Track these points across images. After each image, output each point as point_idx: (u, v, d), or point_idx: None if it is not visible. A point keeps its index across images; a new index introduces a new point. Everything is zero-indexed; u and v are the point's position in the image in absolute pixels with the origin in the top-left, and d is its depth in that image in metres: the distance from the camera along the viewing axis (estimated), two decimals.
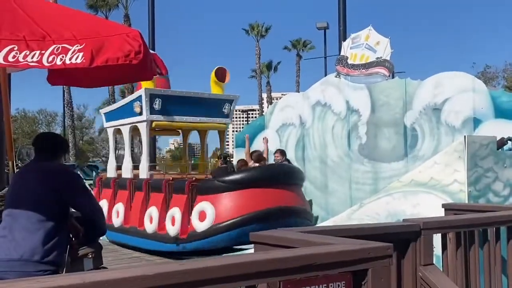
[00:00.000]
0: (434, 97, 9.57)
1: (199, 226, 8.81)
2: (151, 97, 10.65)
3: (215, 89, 11.66)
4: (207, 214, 8.80)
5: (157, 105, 10.70)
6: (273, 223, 7.90)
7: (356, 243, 2.12)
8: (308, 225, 8.66)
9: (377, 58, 10.67)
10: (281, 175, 9.24)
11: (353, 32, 11.56)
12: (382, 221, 5.02)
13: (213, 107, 11.41)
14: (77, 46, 2.85)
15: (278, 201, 8.78)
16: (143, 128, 10.83)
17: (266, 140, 10.89)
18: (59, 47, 2.83)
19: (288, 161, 10.34)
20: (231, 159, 11.26)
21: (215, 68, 11.84)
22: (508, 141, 5.80)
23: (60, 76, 3.77)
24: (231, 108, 11.65)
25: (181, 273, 1.56)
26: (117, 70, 3.35)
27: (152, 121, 10.74)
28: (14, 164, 4.31)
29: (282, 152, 10.36)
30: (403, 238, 3.04)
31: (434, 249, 3.17)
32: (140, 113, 10.82)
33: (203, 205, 8.89)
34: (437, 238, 3.37)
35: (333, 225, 5.09)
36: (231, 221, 8.61)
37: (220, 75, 11.72)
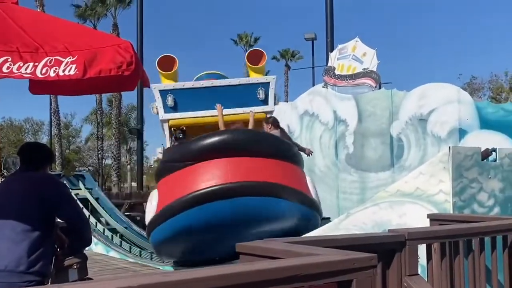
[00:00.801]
0: (420, 107, 9.67)
1: (147, 218, 7.73)
2: (162, 93, 9.46)
3: (253, 75, 10.15)
4: (152, 204, 7.59)
5: (169, 101, 9.46)
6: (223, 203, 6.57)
7: (341, 254, 2.13)
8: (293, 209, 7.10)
9: (364, 69, 10.77)
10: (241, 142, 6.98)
11: (340, 43, 11.68)
12: (368, 231, 5.04)
13: (244, 94, 9.47)
14: (70, 58, 2.87)
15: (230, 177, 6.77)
16: (165, 128, 9.59)
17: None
18: (52, 59, 2.84)
19: (286, 134, 8.51)
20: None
21: (247, 53, 10.33)
22: (493, 152, 5.86)
23: (41, 86, 3.77)
24: (268, 92, 9.58)
25: (165, 284, 1.56)
26: (101, 79, 3.36)
27: (168, 120, 9.55)
28: (0, 173, 4.29)
29: (274, 122, 8.30)
30: (388, 248, 3.05)
31: (419, 259, 3.20)
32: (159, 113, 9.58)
33: (153, 194, 7.73)
34: (422, 248, 3.39)
35: (320, 234, 5.11)
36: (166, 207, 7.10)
37: (253, 57, 9.97)
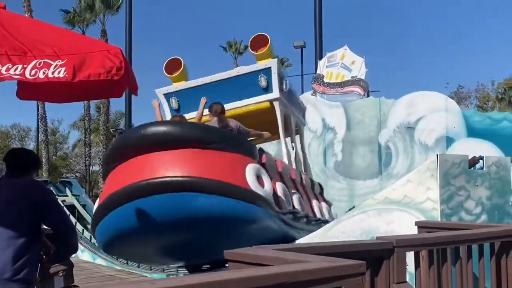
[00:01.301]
0: (408, 116, 9.75)
1: None
2: (166, 97, 9.08)
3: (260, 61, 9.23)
4: None
5: (173, 103, 9.13)
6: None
7: (329, 261, 2.13)
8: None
9: (353, 77, 10.84)
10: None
11: (329, 51, 11.75)
12: (357, 238, 5.05)
13: (246, 85, 8.72)
14: (59, 62, 2.86)
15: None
16: None
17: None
18: (41, 61, 2.83)
19: (225, 121, 7.38)
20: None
21: (250, 41, 9.33)
22: (480, 160, 5.91)
23: (29, 91, 3.74)
24: (271, 79, 8.48)
25: None
26: (90, 86, 3.34)
27: None
28: None
29: (211, 109, 7.46)
30: (377, 255, 3.06)
31: (407, 266, 3.20)
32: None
33: None
34: (410, 256, 3.40)
35: (309, 242, 5.10)
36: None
37: (256, 44, 9.00)
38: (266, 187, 6.49)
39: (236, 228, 6.01)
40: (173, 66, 9.29)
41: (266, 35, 8.87)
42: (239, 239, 6.08)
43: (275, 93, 8.25)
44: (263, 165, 6.90)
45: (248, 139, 7.76)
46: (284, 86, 8.27)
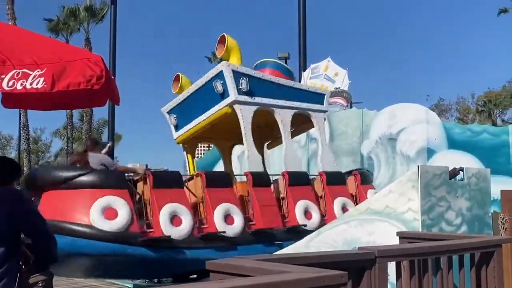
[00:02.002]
0: (390, 127, 9.85)
1: None
2: (168, 114, 9.30)
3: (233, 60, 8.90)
4: None
5: (172, 120, 9.36)
6: None
7: (311, 271, 2.14)
8: None
9: (336, 88, 10.93)
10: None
11: (312, 63, 11.85)
12: (339, 248, 5.07)
13: (206, 96, 8.50)
14: (38, 71, 2.84)
15: None
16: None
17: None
18: (19, 72, 2.81)
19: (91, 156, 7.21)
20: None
21: (216, 48, 8.96)
22: (460, 171, 5.98)
23: (13, 99, 3.71)
24: (225, 82, 8.03)
25: None
26: (73, 95, 3.32)
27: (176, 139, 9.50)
28: None
29: (86, 144, 7.72)
30: (358, 266, 3.07)
31: (388, 277, 3.22)
32: None
33: None
34: (391, 266, 3.42)
35: (291, 252, 5.11)
36: None
37: (220, 47, 8.62)
38: (117, 219, 6.55)
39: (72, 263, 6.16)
40: (175, 82, 9.23)
41: (224, 35, 8.54)
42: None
43: (232, 96, 7.90)
44: (131, 195, 6.92)
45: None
46: (243, 86, 7.83)
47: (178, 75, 9.21)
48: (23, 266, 3.40)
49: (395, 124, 9.86)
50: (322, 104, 8.72)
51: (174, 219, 7.01)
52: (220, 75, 7.96)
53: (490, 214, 6.29)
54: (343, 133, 10.47)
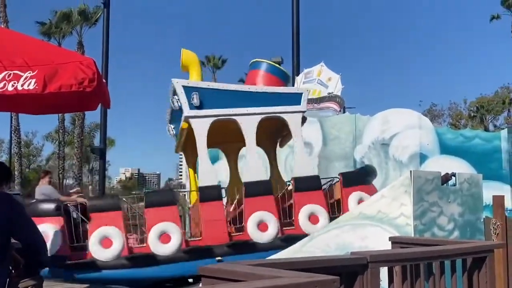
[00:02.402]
0: (382, 132, 9.88)
1: None
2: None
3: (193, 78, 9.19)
4: None
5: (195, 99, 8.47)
6: None
7: (303, 276, 2.13)
8: None
9: (329, 93, 10.94)
10: None
11: (306, 67, 11.86)
12: (332, 253, 5.06)
13: (175, 113, 8.76)
14: (29, 73, 2.82)
15: None
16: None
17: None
18: (10, 73, 2.79)
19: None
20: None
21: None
22: (452, 177, 6.00)
23: (4, 103, 3.68)
24: (179, 99, 8.11)
25: None
26: (67, 97, 3.31)
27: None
28: None
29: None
30: (351, 271, 3.06)
31: (381, 282, 3.22)
32: None
33: None
34: (384, 271, 3.42)
35: (284, 257, 5.09)
36: None
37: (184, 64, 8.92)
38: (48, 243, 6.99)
39: None
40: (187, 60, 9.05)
41: (182, 50, 8.72)
42: None
43: (185, 112, 8.00)
44: None
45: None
46: (194, 101, 7.89)
47: (182, 51, 9.12)
48: (13, 271, 3.37)
49: (388, 129, 9.88)
50: (299, 104, 8.12)
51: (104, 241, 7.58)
52: (175, 93, 8.09)
53: (482, 220, 6.30)
54: (336, 138, 10.48)
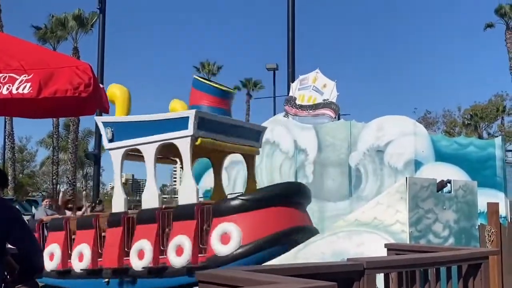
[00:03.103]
0: (377, 139, 9.89)
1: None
2: None
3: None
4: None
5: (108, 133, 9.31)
6: None
7: (301, 282, 2.13)
8: None
9: (324, 100, 10.96)
10: None
11: (301, 74, 11.88)
12: (327, 260, 5.06)
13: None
14: (25, 76, 2.80)
15: None
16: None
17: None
18: (5, 76, 2.77)
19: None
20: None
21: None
22: (448, 184, 6.02)
23: (1, 106, 3.67)
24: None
25: None
26: (63, 102, 3.29)
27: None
28: None
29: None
30: (347, 277, 3.07)
31: None
32: None
33: None
34: (380, 277, 3.42)
35: (281, 263, 5.09)
36: None
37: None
38: None
39: None
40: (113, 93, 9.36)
41: (110, 85, 9.09)
42: None
43: (105, 145, 8.88)
44: None
45: None
46: (108, 135, 8.75)
47: (109, 87, 9.50)
48: (8, 276, 3.35)
49: (383, 136, 9.89)
50: (186, 128, 8.14)
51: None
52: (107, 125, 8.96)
53: (477, 227, 6.33)
54: (331, 144, 10.50)
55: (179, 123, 8.23)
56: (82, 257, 8.44)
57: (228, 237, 7.37)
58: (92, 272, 8.36)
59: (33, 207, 17.11)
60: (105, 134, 8.87)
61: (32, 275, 3.45)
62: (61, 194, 9.72)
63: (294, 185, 8.63)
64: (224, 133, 8.50)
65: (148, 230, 8.03)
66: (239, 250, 7.24)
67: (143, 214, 8.22)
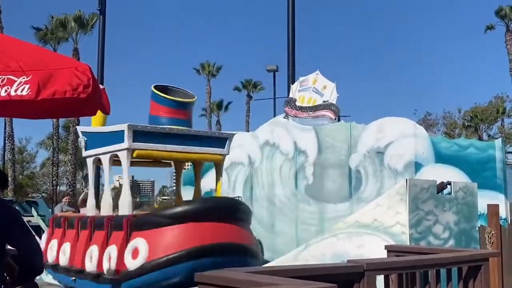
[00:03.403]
0: (377, 141, 9.88)
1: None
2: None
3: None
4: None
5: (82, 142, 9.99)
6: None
7: (301, 284, 2.13)
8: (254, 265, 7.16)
9: (324, 101, 10.95)
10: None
11: (301, 75, 11.86)
12: (327, 261, 5.06)
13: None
14: (24, 78, 2.80)
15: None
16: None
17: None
18: (4, 78, 2.77)
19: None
20: None
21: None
22: (448, 185, 6.01)
23: (2, 107, 3.67)
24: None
25: None
26: (62, 102, 3.29)
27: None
28: None
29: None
30: (347, 279, 3.07)
31: None
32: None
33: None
34: (380, 279, 3.42)
35: (281, 265, 5.08)
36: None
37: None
38: None
39: None
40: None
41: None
42: None
43: (83, 152, 9.61)
44: None
45: None
46: (82, 144, 9.53)
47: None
48: (8, 277, 3.35)
49: (383, 137, 9.88)
50: (123, 141, 8.48)
51: None
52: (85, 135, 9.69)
53: (477, 228, 6.32)
54: (331, 146, 10.48)
55: (118, 136, 8.66)
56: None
57: (137, 252, 7.63)
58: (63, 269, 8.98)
59: (32, 208, 17.08)
60: (79, 143, 9.74)
61: (32, 276, 3.45)
62: (82, 195, 10.18)
63: (219, 201, 8.54)
64: (166, 143, 8.72)
65: (98, 235, 8.48)
66: (144, 266, 7.45)
67: (97, 220, 8.65)
